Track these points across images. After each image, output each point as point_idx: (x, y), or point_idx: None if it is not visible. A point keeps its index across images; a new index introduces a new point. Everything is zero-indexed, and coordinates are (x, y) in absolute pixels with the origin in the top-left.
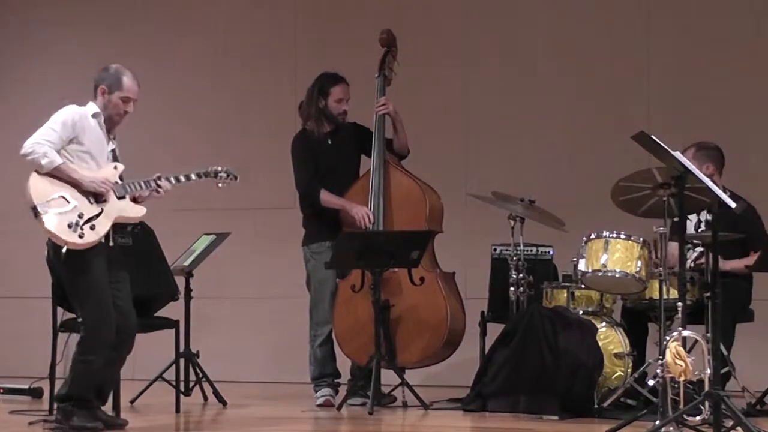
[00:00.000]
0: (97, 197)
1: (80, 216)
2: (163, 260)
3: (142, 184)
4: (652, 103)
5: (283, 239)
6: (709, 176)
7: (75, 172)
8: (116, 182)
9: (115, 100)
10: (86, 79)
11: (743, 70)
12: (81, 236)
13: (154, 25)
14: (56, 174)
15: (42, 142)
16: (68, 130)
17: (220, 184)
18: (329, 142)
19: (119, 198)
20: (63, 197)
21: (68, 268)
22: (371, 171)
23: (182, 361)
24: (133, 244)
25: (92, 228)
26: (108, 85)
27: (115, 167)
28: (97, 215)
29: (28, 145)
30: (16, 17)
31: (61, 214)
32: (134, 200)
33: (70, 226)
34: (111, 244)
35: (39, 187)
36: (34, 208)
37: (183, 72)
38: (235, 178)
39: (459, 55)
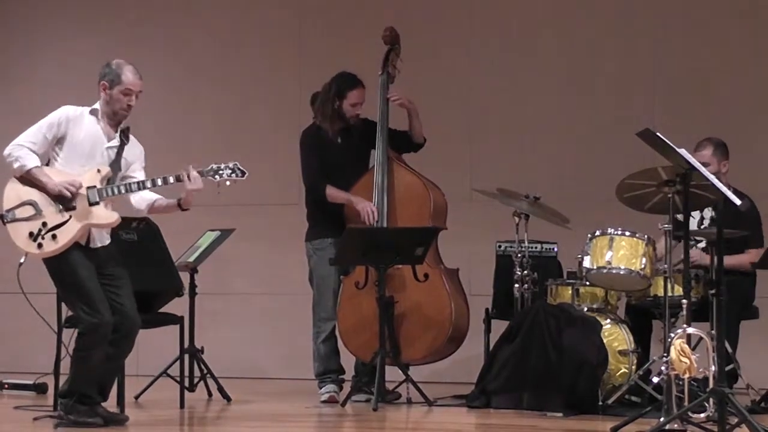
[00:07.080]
0: (66, 203)
1: (44, 225)
2: (167, 256)
3: (122, 188)
4: (658, 100)
5: (287, 235)
6: (725, 173)
7: (45, 176)
8: (94, 186)
9: (116, 94)
10: (89, 74)
11: (749, 68)
12: (40, 246)
13: (158, 21)
14: (28, 178)
15: (23, 144)
16: (54, 129)
17: (227, 183)
18: (339, 140)
19: (92, 204)
20: (30, 204)
21: (52, 271)
22: (375, 168)
23: (187, 357)
24: (138, 240)
25: (53, 237)
26: (109, 80)
27: (98, 170)
28: (63, 223)
29: (9, 148)
30: (22, 11)
31: (23, 222)
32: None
33: (30, 236)
34: (92, 246)
35: (10, 193)
36: (2, 216)
37: (187, 68)
38: (243, 174)
39: (463, 51)
